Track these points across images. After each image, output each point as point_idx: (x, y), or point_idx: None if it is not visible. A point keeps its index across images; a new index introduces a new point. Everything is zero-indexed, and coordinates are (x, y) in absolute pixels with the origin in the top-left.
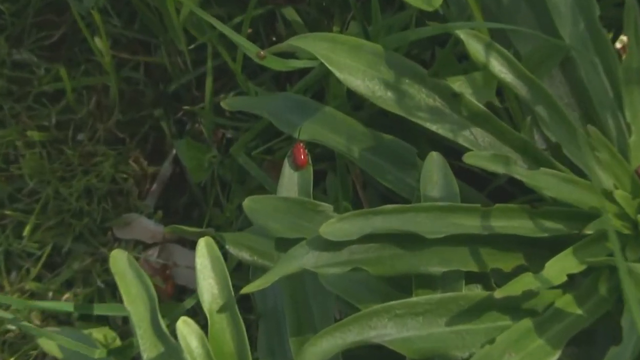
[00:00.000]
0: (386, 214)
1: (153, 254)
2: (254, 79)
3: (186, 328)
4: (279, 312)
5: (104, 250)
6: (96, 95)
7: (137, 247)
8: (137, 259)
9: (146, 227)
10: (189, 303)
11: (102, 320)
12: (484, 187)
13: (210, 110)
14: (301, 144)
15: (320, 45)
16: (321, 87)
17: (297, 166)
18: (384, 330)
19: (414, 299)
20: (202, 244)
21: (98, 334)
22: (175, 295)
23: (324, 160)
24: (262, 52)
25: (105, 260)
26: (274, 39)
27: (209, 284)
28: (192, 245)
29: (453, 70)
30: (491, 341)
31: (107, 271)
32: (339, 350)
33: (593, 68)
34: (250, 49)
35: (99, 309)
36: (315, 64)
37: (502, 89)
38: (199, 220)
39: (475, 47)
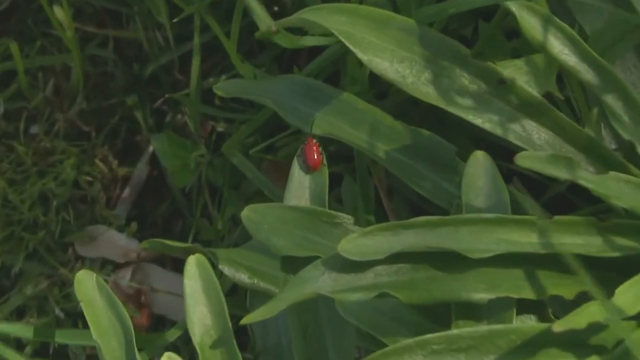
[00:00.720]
0: (419, 228)
1: (124, 276)
2: (250, 58)
3: None
4: (284, 349)
5: (64, 271)
6: (55, 78)
7: (104, 267)
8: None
9: (116, 242)
10: (172, 334)
11: (61, 357)
12: (539, 195)
13: (196, 97)
14: (314, 140)
15: (337, 19)
16: (335, 69)
17: (308, 167)
18: None
19: (454, 331)
20: (193, 262)
21: None
22: (152, 327)
23: (340, 160)
24: (274, 27)
25: (64, 284)
26: (276, 9)
27: (200, 312)
28: (174, 266)
29: (501, 50)
30: None
31: (67, 297)
32: None
33: None
34: (262, 17)
35: (62, 337)
36: (331, 42)
37: (563, 75)
38: (182, 235)
39: (531, 22)
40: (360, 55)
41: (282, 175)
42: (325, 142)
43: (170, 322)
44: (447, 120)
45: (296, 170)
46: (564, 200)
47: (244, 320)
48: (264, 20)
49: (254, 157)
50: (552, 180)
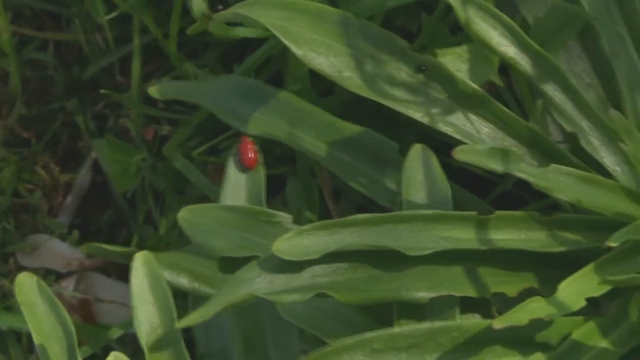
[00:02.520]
0: (357, 226)
1: (68, 285)
2: (194, 59)
3: None
4: (229, 354)
5: (5, 282)
6: None
7: (47, 277)
8: None
9: (59, 251)
10: (116, 332)
11: None
12: (488, 193)
13: (138, 100)
14: (249, 139)
15: (273, 14)
16: (279, 68)
17: (244, 166)
18: None
19: (395, 330)
20: (139, 261)
21: None
22: None
23: (286, 163)
24: (206, 11)
25: (6, 295)
26: (220, 7)
27: (147, 311)
28: (119, 275)
29: (444, 44)
30: None
31: (9, 309)
32: None
33: (619, 39)
34: (197, 3)
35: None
36: (269, 35)
37: (508, 66)
38: (127, 243)
39: (468, 14)
40: (294, 50)
41: None
42: (271, 144)
43: None
44: (393, 118)
45: (232, 169)
46: (512, 197)
47: (179, 324)
48: (198, 6)
49: (199, 161)
50: (502, 176)
